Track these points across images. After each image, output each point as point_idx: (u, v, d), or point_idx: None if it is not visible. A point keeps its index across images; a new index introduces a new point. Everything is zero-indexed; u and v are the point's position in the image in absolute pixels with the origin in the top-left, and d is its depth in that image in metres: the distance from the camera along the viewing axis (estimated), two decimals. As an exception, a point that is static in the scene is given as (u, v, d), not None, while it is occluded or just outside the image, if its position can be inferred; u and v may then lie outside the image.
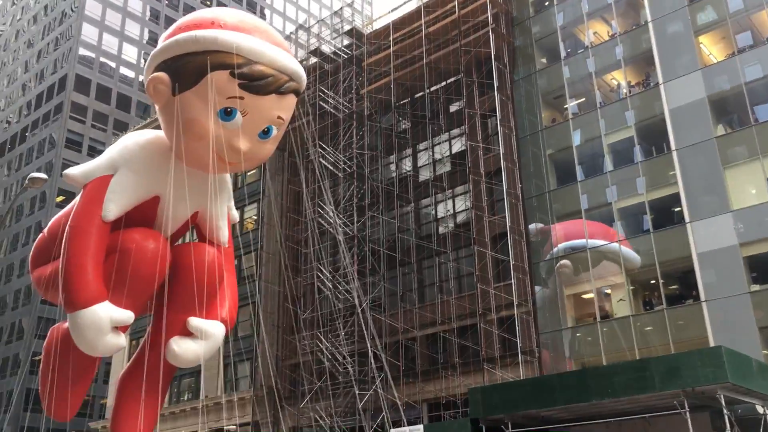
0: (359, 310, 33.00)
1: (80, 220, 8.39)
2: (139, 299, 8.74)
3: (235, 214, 9.76)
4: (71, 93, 75.39)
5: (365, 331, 32.15)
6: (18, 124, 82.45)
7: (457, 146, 36.12)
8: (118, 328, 8.35)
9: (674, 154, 28.75)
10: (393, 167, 38.50)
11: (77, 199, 9.10)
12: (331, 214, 37.33)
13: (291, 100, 8.43)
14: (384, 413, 32.45)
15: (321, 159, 39.06)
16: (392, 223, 36.46)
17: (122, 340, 8.47)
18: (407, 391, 31.97)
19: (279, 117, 8.32)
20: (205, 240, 9.33)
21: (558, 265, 30.58)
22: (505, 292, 30.80)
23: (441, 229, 35.39)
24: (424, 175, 37.11)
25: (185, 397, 43.85)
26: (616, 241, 29.50)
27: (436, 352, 32.90)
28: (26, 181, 19.74)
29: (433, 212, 36.23)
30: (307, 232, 38.99)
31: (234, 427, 39.18)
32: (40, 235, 9.82)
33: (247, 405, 39.18)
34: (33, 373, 62.36)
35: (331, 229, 37.62)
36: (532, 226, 31.92)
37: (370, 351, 31.87)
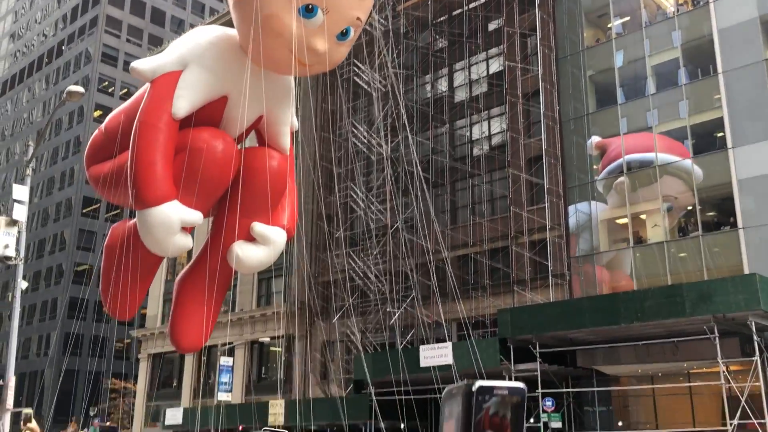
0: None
1: (150, 116, 8.06)
2: (207, 201, 8.57)
3: (296, 121, 9.43)
4: (106, 6, 74.93)
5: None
6: (54, 38, 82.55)
7: (495, 66, 35.32)
8: (185, 228, 8.23)
9: (720, 77, 27.77)
10: (428, 87, 37.90)
11: (136, 96, 8.88)
12: (365, 134, 37.15)
13: (369, 1, 8.12)
14: (414, 331, 33.16)
15: (355, 77, 38.57)
16: (426, 144, 36.20)
17: (190, 241, 8.35)
18: (437, 310, 32.49)
19: (358, 18, 7.97)
20: (266, 145, 9.05)
21: (617, 181, 29.66)
22: (538, 215, 30.70)
23: (475, 151, 35.06)
24: (460, 95, 36.49)
25: (221, 310, 45.23)
26: (689, 157, 28.12)
27: (467, 273, 33.20)
28: (64, 95, 19.85)
29: (468, 134, 35.80)
30: (341, 151, 38.96)
31: (268, 339, 40.47)
32: (96, 131, 9.58)
33: (280, 319, 40.31)
34: (75, 283, 64.83)
35: (364, 149, 37.53)
36: (592, 139, 30.83)
37: (402, 270, 32.29)
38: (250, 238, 8.59)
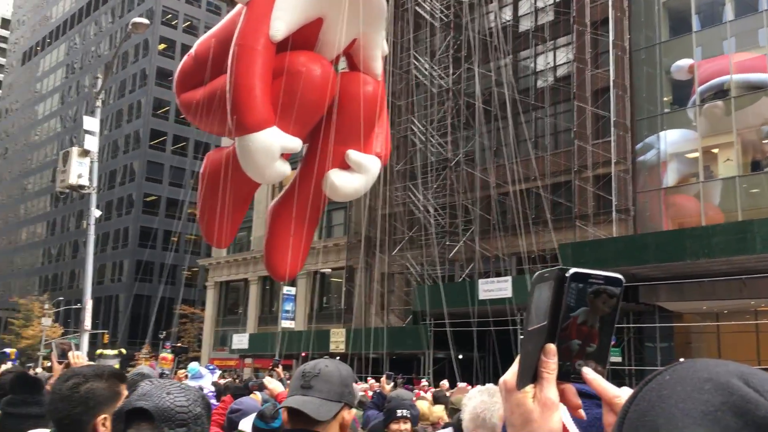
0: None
1: (247, 38, 7.80)
2: (305, 127, 8.34)
3: (386, 46, 9.13)
4: (168, -62, 74.78)
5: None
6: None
7: (563, -7, 33.97)
8: (282, 155, 8.07)
9: (806, 2, 26.07)
10: (492, 17, 36.79)
11: (227, 18, 8.72)
12: (426, 65, 36.54)
13: None
14: (473, 264, 33.26)
15: (416, 7, 37.74)
16: (489, 75, 35.40)
17: (288, 167, 8.23)
18: (497, 244, 32.42)
19: None
20: (360, 70, 8.75)
21: (707, 105, 28.07)
22: (603, 149, 29.93)
23: (540, 83, 34.15)
24: (525, 24, 35.36)
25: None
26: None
27: (528, 208, 32.85)
28: (129, 27, 20.07)
29: (533, 65, 34.82)
30: (401, 83, 38.52)
31: (329, 270, 41.32)
32: (186, 57, 9.36)
33: (341, 250, 41.00)
34: (145, 213, 66.97)
35: (425, 81, 37.00)
36: (680, 63, 29.07)
37: (460, 204, 32.17)
38: (344, 166, 8.42)
